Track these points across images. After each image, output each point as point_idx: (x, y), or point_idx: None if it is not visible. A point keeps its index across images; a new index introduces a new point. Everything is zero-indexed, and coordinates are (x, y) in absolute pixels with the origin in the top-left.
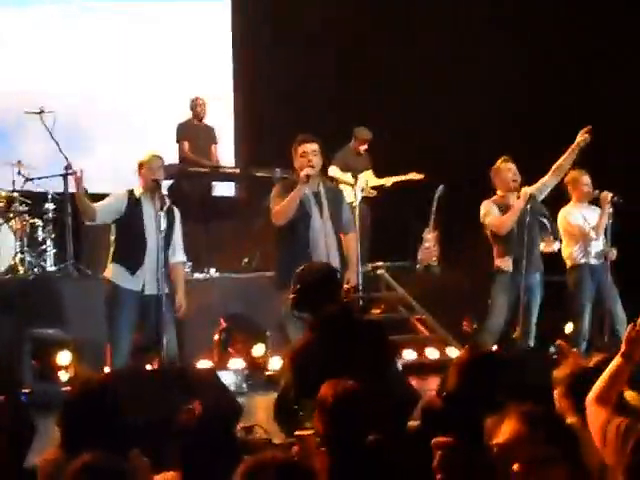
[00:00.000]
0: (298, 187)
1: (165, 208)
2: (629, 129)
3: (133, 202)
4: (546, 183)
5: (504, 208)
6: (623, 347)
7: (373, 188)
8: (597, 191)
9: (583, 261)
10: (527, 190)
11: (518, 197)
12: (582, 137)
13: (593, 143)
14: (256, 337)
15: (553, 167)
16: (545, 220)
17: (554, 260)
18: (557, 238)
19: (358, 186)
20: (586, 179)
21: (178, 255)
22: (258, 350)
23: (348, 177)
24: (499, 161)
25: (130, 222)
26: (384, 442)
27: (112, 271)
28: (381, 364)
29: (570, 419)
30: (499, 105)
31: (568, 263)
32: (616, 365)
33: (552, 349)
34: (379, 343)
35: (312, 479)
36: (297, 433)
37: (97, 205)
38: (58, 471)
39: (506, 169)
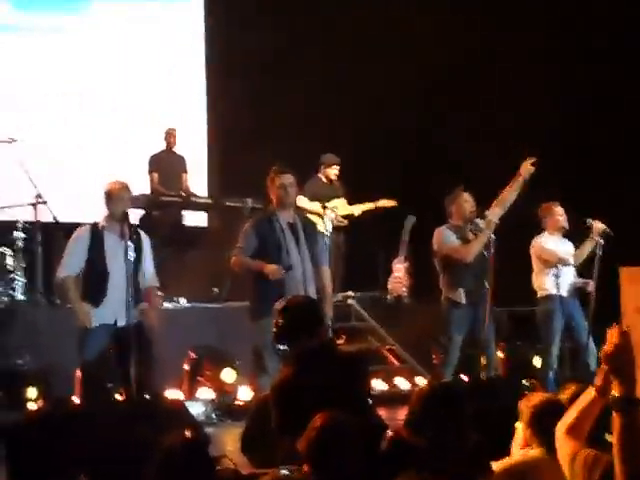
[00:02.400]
0: (260, 268)
1: (132, 237)
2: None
3: (95, 236)
4: (491, 221)
5: (463, 237)
6: (597, 380)
7: (343, 217)
8: (589, 220)
9: (554, 292)
10: (493, 219)
11: (470, 229)
12: (525, 169)
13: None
14: (225, 363)
15: (496, 200)
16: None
17: (523, 290)
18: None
19: (327, 215)
20: (560, 210)
21: (151, 280)
22: (227, 375)
23: (316, 206)
24: (456, 192)
25: (93, 256)
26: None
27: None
28: (361, 397)
29: (535, 450)
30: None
31: (539, 293)
32: (588, 397)
33: (524, 382)
34: (360, 377)
35: None
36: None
37: (67, 270)
38: None
39: (464, 200)
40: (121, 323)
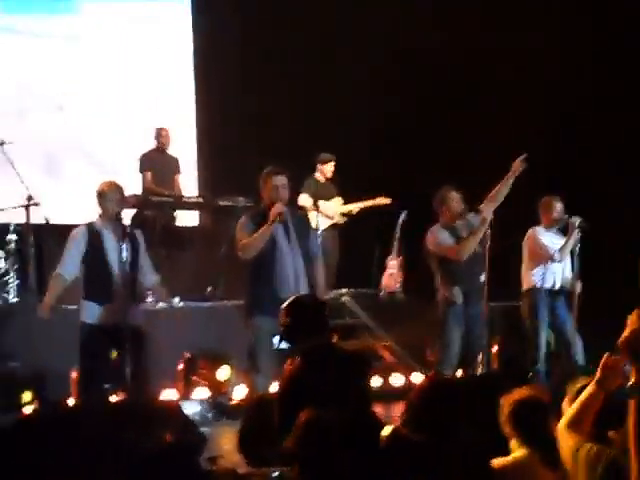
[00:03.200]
0: (268, 225)
1: (127, 237)
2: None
3: (93, 235)
4: (484, 216)
5: (455, 235)
6: (598, 374)
7: (342, 215)
8: (566, 216)
9: (539, 285)
10: (487, 216)
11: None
12: (518, 165)
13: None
14: (221, 361)
15: (488, 196)
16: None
17: (518, 285)
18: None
19: (322, 212)
20: (558, 205)
21: (151, 277)
22: (222, 373)
23: (309, 203)
24: (444, 190)
25: (93, 256)
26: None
27: (84, 309)
28: (364, 396)
29: (518, 451)
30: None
31: (524, 286)
32: (589, 392)
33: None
34: (364, 376)
35: None
36: None
37: (60, 269)
38: None
39: (452, 199)
40: (120, 323)
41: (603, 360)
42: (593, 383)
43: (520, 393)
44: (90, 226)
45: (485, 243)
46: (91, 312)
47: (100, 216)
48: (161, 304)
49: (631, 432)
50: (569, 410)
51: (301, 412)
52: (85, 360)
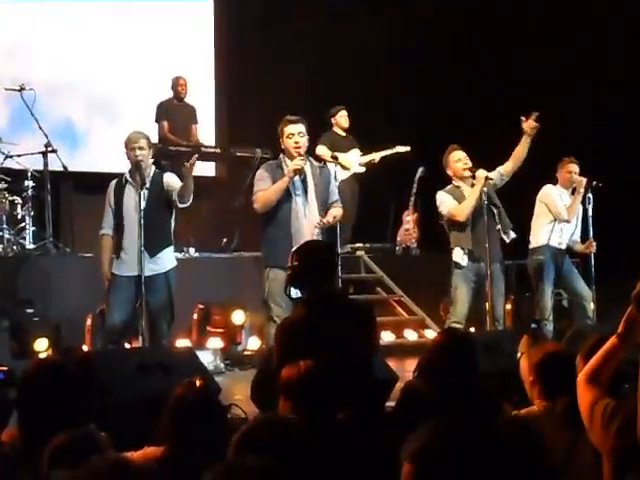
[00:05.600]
0: (284, 180)
1: (146, 186)
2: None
3: (118, 188)
4: (503, 172)
5: (459, 197)
6: (620, 327)
7: (361, 165)
8: (575, 176)
9: (546, 242)
10: (482, 173)
11: (473, 184)
12: (529, 126)
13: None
14: (235, 307)
15: (512, 155)
16: (495, 210)
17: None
18: (506, 232)
19: (340, 162)
20: (573, 167)
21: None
22: (237, 317)
23: (327, 154)
24: (447, 151)
25: (115, 209)
26: (354, 420)
27: (113, 261)
28: (367, 346)
29: (540, 403)
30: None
31: (531, 243)
32: (611, 345)
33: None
34: (368, 325)
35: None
36: None
37: (102, 229)
38: (14, 451)
39: (455, 159)
40: (145, 273)
41: (627, 313)
42: (615, 336)
43: (551, 346)
44: (120, 178)
45: (482, 201)
46: (115, 263)
47: (130, 167)
48: (176, 254)
49: None
50: (588, 364)
51: (285, 368)
52: (107, 310)
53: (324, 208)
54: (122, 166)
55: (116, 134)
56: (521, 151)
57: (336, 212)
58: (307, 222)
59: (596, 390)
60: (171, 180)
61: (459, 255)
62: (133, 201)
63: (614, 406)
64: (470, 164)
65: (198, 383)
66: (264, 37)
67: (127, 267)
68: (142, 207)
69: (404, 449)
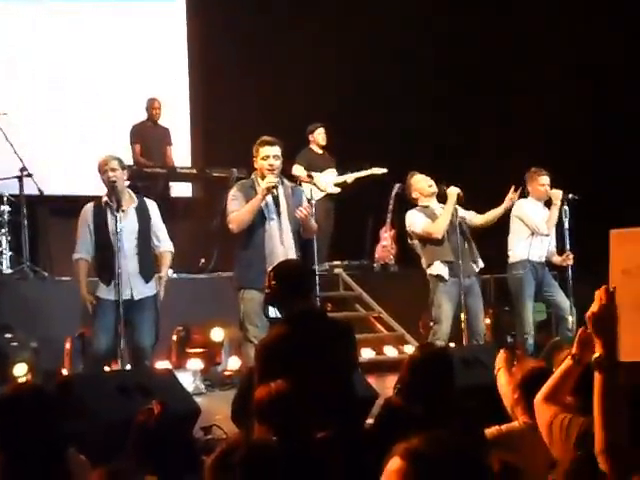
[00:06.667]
0: (257, 198)
1: (129, 207)
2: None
3: (97, 212)
4: (473, 220)
5: (430, 215)
6: (574, 349)
7: (336, 185)
8: (550, 190)
9: (525, 257)
10: (454, 190)
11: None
12: (510, 199)
13: None
14: (213, 324)
15: (487, 214)
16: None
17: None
18: (475, 261)
19: (315, 182)
20: (544, 179)
21: (164, 244)
22: (216, 334)
23: (302, 173)
24: (408, 177)
25: (97, 233)
26: (333, 440)
27: (97, 284)
28: (347, 363)
29: (523, 420)
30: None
31: (510, 258)
32: (566, 366)
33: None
34: (347, 343)
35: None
36: None
37: (77, 253)
38: None
39: (418, 180)
40: (126, 296)
41: (578, 334)
42: (569, 357)
43: (532, 363)
44: (96, 202)
45: (455, 218)
46: (100, 287)
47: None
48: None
49: (596, 405)
50: (546, 384)
51: (258, 389)
52: (94, 332)
53: (297, 228)
54: (97, 189)
55: (90, 156)
56: (496, 217)
57: (307, 208)
58: (280, 243)
59: (553, 408)
60: (156, 221)
61: (440, 268)
62: (120, 226)
63: (570, 418)
64: (433, 184)
65: (156, 409)
66: (241, 54)
67: (115, 291)
68: (118, 229)
69: (397, 446)
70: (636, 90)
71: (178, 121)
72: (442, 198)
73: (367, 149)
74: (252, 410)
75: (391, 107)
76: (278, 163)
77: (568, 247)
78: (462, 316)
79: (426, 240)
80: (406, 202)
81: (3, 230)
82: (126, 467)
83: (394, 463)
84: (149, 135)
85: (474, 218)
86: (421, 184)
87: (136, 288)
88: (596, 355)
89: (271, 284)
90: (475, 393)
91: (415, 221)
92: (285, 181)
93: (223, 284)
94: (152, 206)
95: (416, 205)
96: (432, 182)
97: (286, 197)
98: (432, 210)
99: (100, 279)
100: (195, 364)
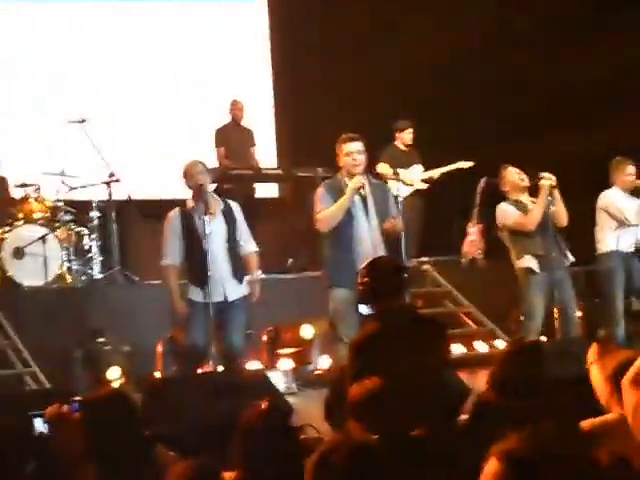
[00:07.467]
0: (345, 198)
1: (216, 210)
2: None
3: (185, 218)
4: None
5: (521, 208)
6: None
7: (423, 181)
8: (637, 180)
9: (615, 248)
10: (547, 182)
11: (530, 195)
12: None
13: None
14: (303, 321)
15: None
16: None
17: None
18: (565, 254)
19: (401, 179)
20: (630, 169)
21: (249, 246)
22: (306, 332)
23: (388, 172)
24: (501, 169)
25: (185, 238)
26: (428, 436)
27: (189, 287)
28: (439, 360)
29: (614, 411)
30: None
31: (599, 248)
32: None
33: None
34: (439, 339)
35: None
36: None
37: (165, 259)
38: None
39: (510, 175)
40: (218, 299)
41: None
42: None
43: (624, 354)
44: (182, 208)
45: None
46: (192, 290)
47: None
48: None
49: None
50: (633, 367)
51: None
52: (186, 333)
53: (385, 219)
54: (181, 192)
55: (173, 160)
56: (558, 212)
57: (394, 221)
58: (369, 241)
59: (638, 392)
60: (240, 223)
61: (531, 262)
62: (209, 229)
63: None
64: (525, 177)
65: (264, 406)
66: (324, 52)
67: (207, 294)
68: (207, 232)
69: (493, 447)
70: None
71: (263, 121)
72: (533, 193)
73: (453, 143)
74: (346, 409)
75: (475, 103)
76: (362, 158)
77: None
78: (555, 310)
79: (517, 233)
80: (493, 196)
81: (93, 236)
82: (210, 463)
83: (492, 465)
84: (233, 137)
85: (544, 182)
86: (513, 179)
87: (229, 290)
88: None
89: (364, 281)
90: (569, 387)
91: (507, 213)
92: (372, 179)
93: (311, 284)
94: (236, 208)
95: (506, 198)
96: (524, 176)
97: (373, 195)
98: (524, 204)
99: (192, 283)
100: (286, 364)
